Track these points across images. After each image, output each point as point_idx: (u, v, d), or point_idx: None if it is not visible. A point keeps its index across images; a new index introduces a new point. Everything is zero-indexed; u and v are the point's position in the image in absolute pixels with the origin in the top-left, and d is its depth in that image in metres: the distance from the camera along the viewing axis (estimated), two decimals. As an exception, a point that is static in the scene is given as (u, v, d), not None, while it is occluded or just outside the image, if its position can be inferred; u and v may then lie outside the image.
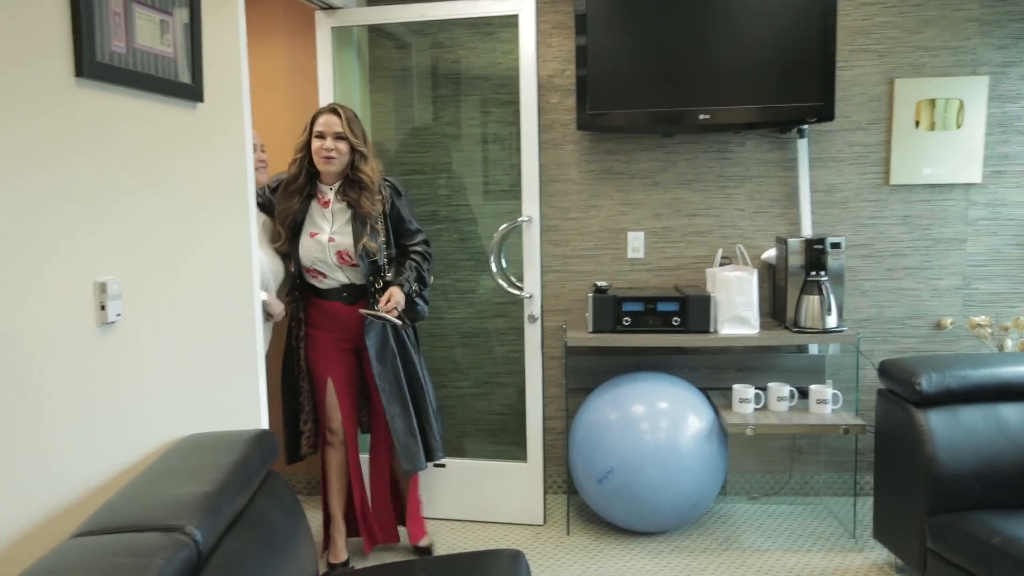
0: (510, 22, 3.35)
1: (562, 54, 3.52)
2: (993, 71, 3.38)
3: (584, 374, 3.58)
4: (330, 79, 3.46)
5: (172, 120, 2.08)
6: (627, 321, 3.22)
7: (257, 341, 2.55)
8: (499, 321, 3.63)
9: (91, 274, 1.74)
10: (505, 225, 3.38)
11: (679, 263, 3.59)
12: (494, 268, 3.43)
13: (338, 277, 2.97)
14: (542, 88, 3.55)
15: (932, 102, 3.40)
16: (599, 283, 3.32)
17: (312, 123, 2.93)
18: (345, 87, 3.56)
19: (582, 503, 3.48)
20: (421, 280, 3.02)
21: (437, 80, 3.67)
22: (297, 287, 3.03)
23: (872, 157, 3.47)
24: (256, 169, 2.87)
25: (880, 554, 3.09)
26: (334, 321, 3.00)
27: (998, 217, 3.46)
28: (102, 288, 1.77)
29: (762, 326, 3.30)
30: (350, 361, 3.07)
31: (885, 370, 2.85)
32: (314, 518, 3.54)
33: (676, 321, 3.21)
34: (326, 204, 2.97)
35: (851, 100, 3.43)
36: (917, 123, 3.41)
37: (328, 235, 2.93)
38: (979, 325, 3.35)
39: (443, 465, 3.40)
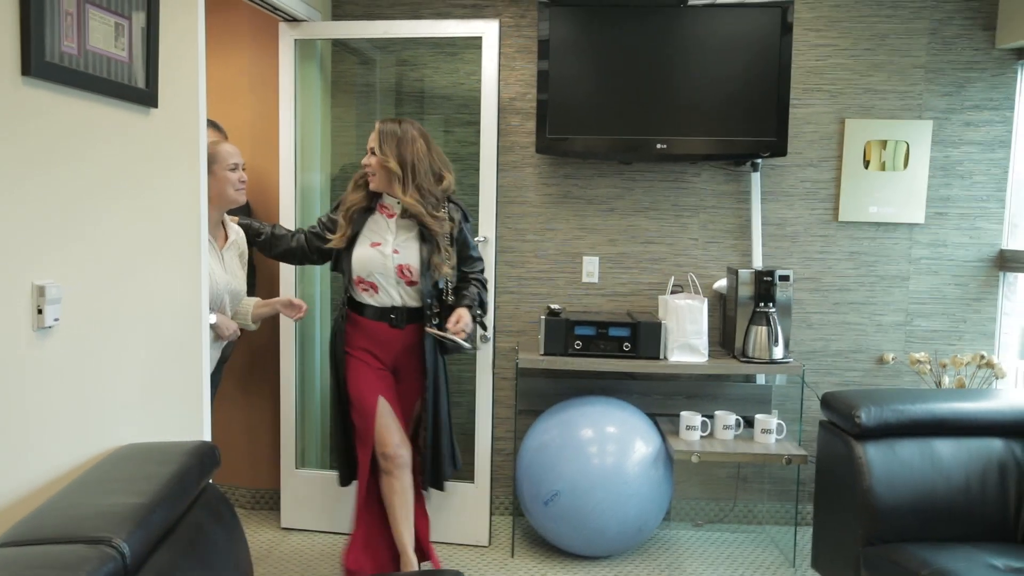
0: (474, 44, 3.38)
1: (524, 78, 3.55)
2: (937, 116, 3.49)
3: (534, 396, 3.58)
4: (291, 91, 3.44)
5: (124, 124, 2.04)
6: (579, 345, 3.23)
7: (203, 354, 2.50)
8: (452, 340, 3.61)
9: (28, 277, 1.70)
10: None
11: (633, 289, 3.62)
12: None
13: (391, 294, 2.80)
14: (503, 110, 3.57)
15: (882, 143, 3.49)
16: (553, 306, 3.34)
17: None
18: (306, 99, 3.54)
19: (528, 525, 3.46)
20: (482, 307, 2.90)
21: (400, 97, 3.68)
22: (345, 302, 2.88)
23: (822, 193, 3.55)
24: (237, 190, 2.81)
25: (818, 584, 3.12)
26: (374, 342, 2.84)
27: (939, 257, 3.55)
28: (40, 291, 1.72)
29: (711, 354, 3.34)
30: (392, 382, 2.91)
31: (827, 402, 2.90)
32: (258, 534, 3.48)
33: (627, 347, 3.23)
34: (390, 216, 2.83)
35: (804, 137, 3.51)
36: (866, 163, 3.50)
37: (392, 247, 2.78)
38: (919, 361, 3.42)
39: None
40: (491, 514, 3.46)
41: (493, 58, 3.27)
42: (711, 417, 3.31)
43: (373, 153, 2.75)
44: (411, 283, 2.77)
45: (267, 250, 2.99)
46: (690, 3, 3.31)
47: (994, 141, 3.49)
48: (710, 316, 3.37)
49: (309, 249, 2.92)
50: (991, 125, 3.48)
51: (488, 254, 3.32)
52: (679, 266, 3.60)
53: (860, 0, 3.46)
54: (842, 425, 2.81)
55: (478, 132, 3.36)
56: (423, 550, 2.93)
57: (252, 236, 2.96)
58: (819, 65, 3.50)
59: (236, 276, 2.89)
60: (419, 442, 2.95)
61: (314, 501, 3.53)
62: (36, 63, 1.66)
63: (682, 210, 3.58)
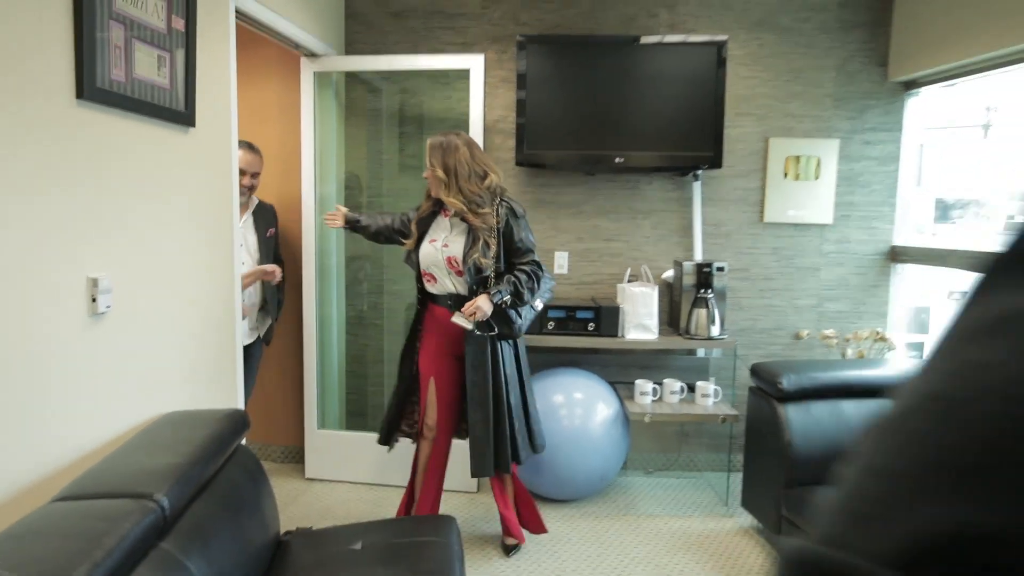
0: (463, 75, 3.31)
1: (506, 103, 3.49)
2: (842, 136, 3.47)
3: (515, 367, 3.53)
4: (311, 115, 3.36)
5: (166, 140, 1.97)
6: (551, 325, 3.19)
7: (236, 335, 2.44)
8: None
9: (84, 271, 1.63)
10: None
11: (597, 279, 3.58)
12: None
13: (446, 283, 2.65)
14: (489, 131, 3.50)
15: (798, 158, 3.47)
16: (529, 293, 3.29)
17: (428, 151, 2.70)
18: (324, 122, 3.46)
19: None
20: (517, 295, 2.58)
21: (403, 119, 3.61)
22: (418, 292, 2.78)
23: (750, 199, 3.53)
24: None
25: (746, 520, 3.12)
26: (440, 326, 2.68)
27: (844, 252, 3.54)
28: (94, 283, 1.66)
29: (660, 332, 3.32)
30: (454, 367, 2.71)
31: (755, 371, 2.89)
32: (286, 484, 3.42)
33: (591, 327, 3.20)
34: (447, 215, 2.71)
35: (735, 152, 3.48)
36: (785, 174, 3.48)
37: (442, 242, 2.65)
38: (828, 337, 3.42)
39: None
40: (479, 465, 3.43)
41: (479, 87, 3.22)
42: (660, 384, 3.29)
43: (431, 164, 2.63)
44: (459, 273, 2.61)
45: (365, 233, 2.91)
46: (643, 41, 3.26)
47: (887, 157, 3.48)
48: (659, 301, 3.34)
49: (396, 234, 2.84)
50: (885, 144, 3.47)
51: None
52: (634, 259, 3.57)
53: (780, 40, 3.43)
54: (767, 390, 2.80)
55: (467, 149, 3.29)
56: (506, 526, 2.78)
57: (354, 226, 2.90)
58: (748, 93, 3.46)
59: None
60: (463, 426, 2.79)
61: (333, 456, 3.47)
62: (88, 88, 1.60)
63: (637, 213, 3.54)
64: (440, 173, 2.58)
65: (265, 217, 3.13)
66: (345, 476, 3.46)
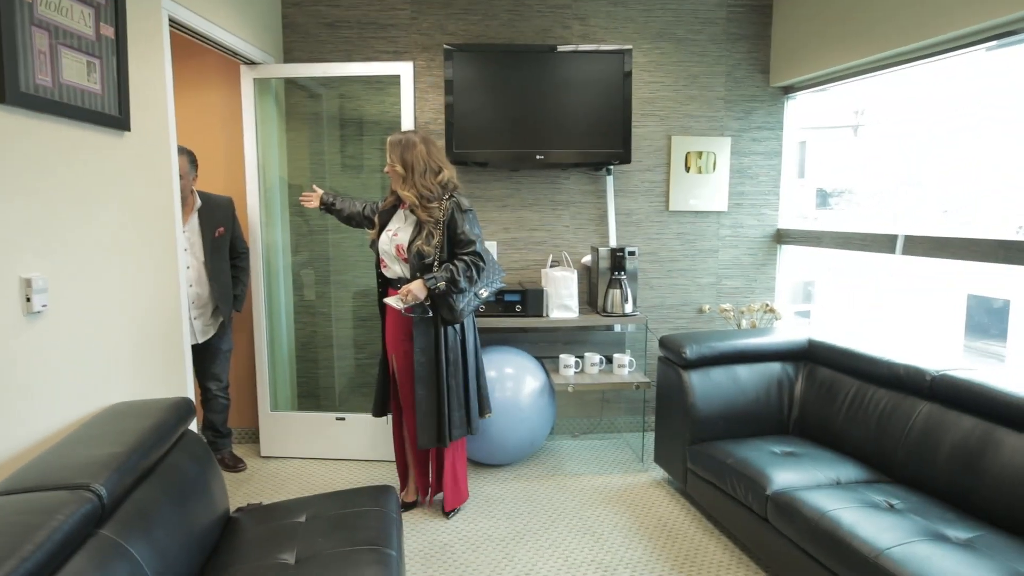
0: (395, 80, 3.23)
1: (436, 106, 3.42)
2: (733, 134, 3.57)
3: (452, 347, 3.51)
4: (252, 120, 3.21)
5: (99, 145, 1.84)
6: (483, 308, 3.18)
7: (183, 329, 2.32)
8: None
9: (16, 272, 1.51)
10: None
11: (523, 265, 3.58)
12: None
13: (396, 269, 2.63)
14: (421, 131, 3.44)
15: (697, 153, 3.55)
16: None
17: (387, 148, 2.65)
18: (265, 127, 3.32)
19: (450, 443, 3.41)
20: (452, 282, 2.50)
21: (342, 123, 3.49)
22: (377, 277, 2.76)
23: (657, 190, 3.59)
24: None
25: (658, 473, 3.20)
26: (393, 311, 2.62)
27: (738, 235, 3.66)
28: (27, 283, 1.54)
29: (580, 311, 3.35)
30: (410, 349, 2.63)
31: (663, 343, 2.95)
32: (252, 462, 3.30)
33: (518, 308, 3.20)
34: (404, 207, 2.65)
35: (643, 149, 3.53)
36: (687, 168, 3.56)
37: (394, 231, 2.63)
38: (725, 310, 3.53)
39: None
40: (422, 437, 3.39)
41: (409, 92, 3.14)
42: (582, 357, 3.33)
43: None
44: (406, 260, 2.58)
45: (339, 216, 2.87)
46: (559, 50, 3.25)
47: (771, 152, 3.60)
48: (579, 283, 3.37)
49: (365, 220, 2.83)
50: (769, 141, 3.59)
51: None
52: (556, 246, 3.58)
53: (678, 50, 3.48)
54: (674, 359, 2.86)
55: (401, 149, 3.21)
56: (448, 498, 2.76)
57: (329, 207, 2.86)
58: (651, 96, 3.51)
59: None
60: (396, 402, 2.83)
61: (286, 435, 3.37)
62: (11, 93, 1.47)
63: (557, 204, 3.55)
64: (399, 168, 2.56)
65: (212, 216, 2.97)
66: (298, 453, 3.37)
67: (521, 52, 3.28)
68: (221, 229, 3.00)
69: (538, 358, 3.36)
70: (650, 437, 3.53)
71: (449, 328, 2.64)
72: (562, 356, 3.26)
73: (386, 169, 2.62)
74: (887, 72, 2.89)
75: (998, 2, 2.19)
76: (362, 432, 3.33)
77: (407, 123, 3.16)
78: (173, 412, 1.81)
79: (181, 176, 2.83)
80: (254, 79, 3.18)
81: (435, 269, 2.54)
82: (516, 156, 3.30)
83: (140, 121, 2.05)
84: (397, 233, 2.62)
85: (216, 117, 3.35)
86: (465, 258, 2.55)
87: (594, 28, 3.45)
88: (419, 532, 2.64)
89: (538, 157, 3.27)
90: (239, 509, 2.13)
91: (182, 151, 2.86)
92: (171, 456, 1.75)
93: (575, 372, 3.25)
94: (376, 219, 2.72)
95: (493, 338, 3.48)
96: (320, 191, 2.83)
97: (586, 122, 3.28)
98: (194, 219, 2.91)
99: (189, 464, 1.80)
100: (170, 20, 2.29)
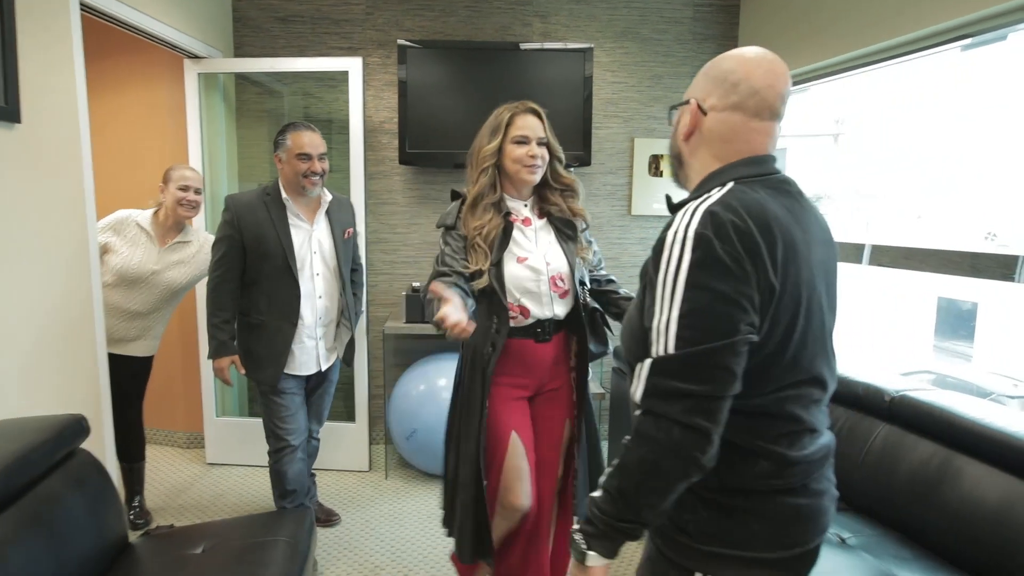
0: (346, 77, 2.98)
1: (392, 104, 3.18)
2: (700, 137, 3.33)
3: (407, 353, 3.27)
4: (197, 117, 2.96)
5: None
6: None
7: (97, 339, 2.06)
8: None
9: None
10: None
11: (480, 269, 3.35)
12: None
13: (545, 312, 1.66)
14: (376, 131, 3.20)
15: (661, 156, 3.32)
16: (415, 284, 3.03)
17: (507, 125, 1.67)
18: (213, 125, 3.07)
19: (398, 454, 3.17)
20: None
21: (293, 119, 3.24)
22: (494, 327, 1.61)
23: (619, 194, 3.36)
24: (180, 206, 2.38)
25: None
26: (517, 363, 1.67)
27: (703, 240, 3.43)
28: None
29: (537, 317, 3.11)
30: (527, 411, 1.73)
31: (616, 354, 2.74)
32: (187, 469, 3.04)
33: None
34: (526, 223, 1.70)
35: (604, 151, 3.30)
36: (650, 171, 3.33)
37: (543, 259, 1.66)
38: (688, 317, 3.30)
39: None
40: (370, 445, 3.16)
41: (358, 87, 2.89)
42: (537, 364, 3.10)
43: (541, 144, 1.68)
44: (564, 294, 1.69)
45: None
46: (522, 48, 3.02)
47: (739, 155, 3.37)
48: (536, 288, 3.13)
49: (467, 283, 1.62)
50: (737, 144, 3.35)
51: (360, 245, 2.96)
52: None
53: (642, 50, 3.25)
54: (624, 370, 2.65)
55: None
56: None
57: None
58: (614, 97, 3.27)
59: (172, 270, 2.42)
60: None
61: (232, 442, 3.13)
62: None
63: (515, 208, 3.31)
64: (558, 148, 1.73)
65: (341, 215, 2.34)
66: (244, 460, 3.13)
67: (480, 49, 3.04)
68: (350, 230, 2.37)
69: (493, 365, 3.12)
70: (607, 444, 3.30)
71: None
72: (517, 364, 3.02)
73: (539, 152, 1.66)
74: (857, 73, 2.67)
75: (967, 1, 1.97)
76: (310, 440, 3.10)
77: (355, 120, 2.91)
78: (53, 432, 1.57)
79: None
80: (198, 74, 2.93)
81: (583, 293, 1.71)
82: (471, 157, 3.06)
83: (36, 112, 1.80)
84: (550, 262, 1.67)
85: (160, 115, 3.09)
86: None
87: (555, 26, 3.21)
88: (368, 550, 2.41)
89: (494, 158, 3.03)
90: (145, 532, 1.89)
91: (312, 129, 2.22)
92: (46, 483, 1.51)
93: (530, 380, 3.01)
94: (480, 258, 1.60)
95: (431, 346, 3.24)
96: (452, 311, 1.36)
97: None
98: (322, 218, 2.26)
99: (68, 491, 1.55)
100: (84, 5, 2.04)
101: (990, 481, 1.64)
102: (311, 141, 2.16)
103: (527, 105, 1.70)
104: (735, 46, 3.27)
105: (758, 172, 0.96)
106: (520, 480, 1.65)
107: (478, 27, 3.18)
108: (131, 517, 2.51)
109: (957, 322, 7.52)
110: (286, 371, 2.17)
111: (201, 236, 2.54)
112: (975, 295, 6.91)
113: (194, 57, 2.88)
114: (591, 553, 0.94)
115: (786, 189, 0.96)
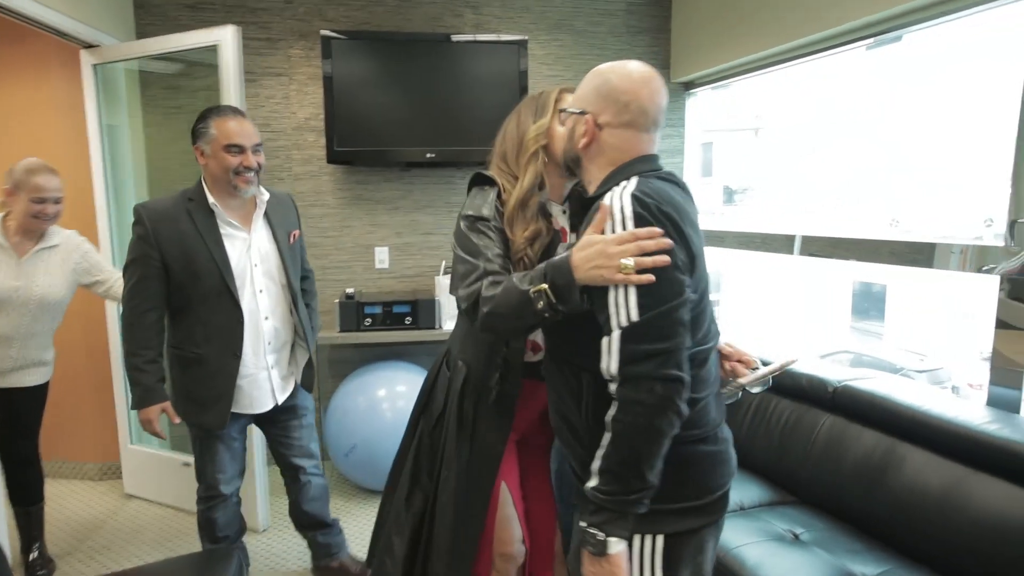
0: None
1: (317, 100, 2.95)
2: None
3: (342, 363, 3.07)
4: (95, 109, 2.65)
5: None
6: (368, 322, 2.76)
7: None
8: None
9: None
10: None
11: (418, 272, 3.18)
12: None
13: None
14: (301, 128, 2.97)
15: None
16: (348, 291, 2.83)
17: (557, 102, 1.33)
18: (115, 119, 2.76)
19: (337, 470, 2.96)
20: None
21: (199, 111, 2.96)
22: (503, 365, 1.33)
23: (558, 191, 3.27)
24: (33, 217, 1.96)
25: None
26: (528, 410, 1.43)
27: (642, 236, 3.40)
28: None
29: (479, 320, 2.98)
30: (512, 456, 1.48)
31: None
32: (103, 500, 2.71)
33: (409, 320, 2.79)
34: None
35: (542, 148, 3.20)
36: (588, 167, 3.26)
37: None
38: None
39: None
40: (308, 464, 2.94)
41: (233, 65, 2.34)
42: (481, 368, 2.97)
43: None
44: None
45: None
46: (454, 40, 2.86)
47: (674, 150, 3.35)
48: (478, 290, 3.00)
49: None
50: (671, 139, 3.33)
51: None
52: (452, 252, 3.19)
53: (577, 43, 3.17)
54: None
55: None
56: None
57: None
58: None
59: (40, 282, 2.04)
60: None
61: (151, 474, 2.82)
62: None
63: (452, 206, 3.16)
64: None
65: (283, 216, 1.91)
66: (164, 498, 2.79)
67: (410, 42, 2.86)
68: (296, 232, 1.95)
69: (435, 372, 2.96)
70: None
71: None
72: (460, 369, 2.88)
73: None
74: (778, 68, 2.69)
75: (869, 3, 2.06)
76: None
77: (235, 102, 2.60)
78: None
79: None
80: (93, 64, 2.61)
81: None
82: (404, 154, 2.89)
83: None
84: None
85: (55, 110, 2.75)
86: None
87: (487, 18, 3.08)
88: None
89: (428, 155, 2.88)
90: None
91: (241, 114, 1.82)
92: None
93: (474, 385, 2.88)
94: (530, 242, 1.28)
95: (382, 353, 3.06)
96: None
97: (480, 116, 2.90)
98: (261, 222, 1.84)
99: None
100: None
101: (932, 468, 1.65)
102: (242, 129, 1.72)
103: (568, 86, 1.36)
104: (668, 40, 3.24)
105: (651, 168, 1.10)
106: (510, 527, 1.45)
107: (407, 18, 3.00)
108: (32, 569, 2.20)
109: (870, 304, 7.99)
110: (234, 410, 1.80)
111: (64, 233, 2.15)
112: (884, 278, 7.34)
113: (89, 47, 2.57)
114: (612, 539, 0.98)
115: (674, 181, 1.11)
